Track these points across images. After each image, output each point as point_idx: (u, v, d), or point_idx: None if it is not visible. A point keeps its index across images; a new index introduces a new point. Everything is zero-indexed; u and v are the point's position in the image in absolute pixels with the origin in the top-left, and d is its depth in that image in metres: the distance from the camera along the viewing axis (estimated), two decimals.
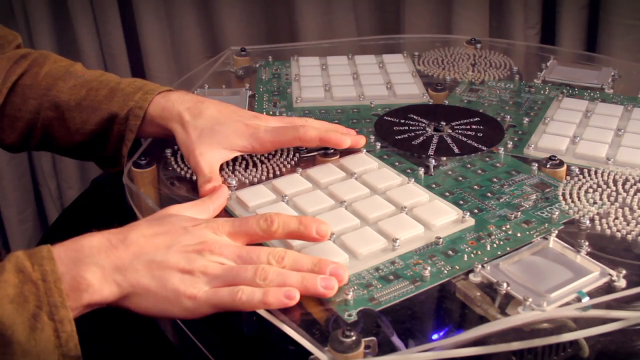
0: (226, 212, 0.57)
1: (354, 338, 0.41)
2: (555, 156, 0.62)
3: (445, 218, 0.54)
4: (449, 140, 0.67)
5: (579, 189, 0.58)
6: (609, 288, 0.47)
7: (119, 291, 0.44)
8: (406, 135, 0.69)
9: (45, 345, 0.40)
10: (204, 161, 0.59)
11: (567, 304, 0.44)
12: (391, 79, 0.82)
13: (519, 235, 0.52)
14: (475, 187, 0.60)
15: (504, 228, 0.53)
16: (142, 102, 0.64)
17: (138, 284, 0.45)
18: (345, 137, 0.63)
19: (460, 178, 0.61)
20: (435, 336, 0.45)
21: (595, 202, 0.56)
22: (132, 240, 0.46)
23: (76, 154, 0.70)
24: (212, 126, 0.61)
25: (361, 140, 0.65)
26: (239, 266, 0.46)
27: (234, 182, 0.60)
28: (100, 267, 0.44)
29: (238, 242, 0.49)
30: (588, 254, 0.50)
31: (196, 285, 0.45)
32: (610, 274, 0.47)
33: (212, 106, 0.63)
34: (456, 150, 0.65)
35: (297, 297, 0.44)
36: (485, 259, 0.50)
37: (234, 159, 0.64)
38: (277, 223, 0.48)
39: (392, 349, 0.43)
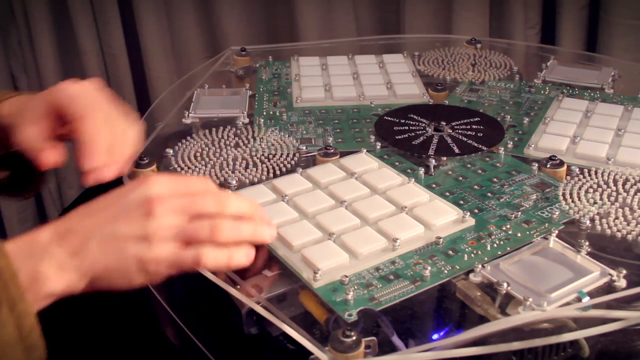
0: None
1: (354, 338, 0.41)
2: (555, 156, 0.62)
3: (446, 218, 0.54)
4: (449, 140, 0.67)
5: (579, 189, 0.58)
6: (609, 288, 0.47)
7: (79, 277, 0.44)
8: (406, 135, 0.69)
9: (8, 340, 0.40)
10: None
11: (568, 304, 0.44)
12: (391, 79, 0.82)
13: (519, 235, 0.52)
14: (476, 187, 0.60)
15: (504, 228, 0.53)
16: None
17: (97, 265, 0.44)
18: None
19: (461, 178, 0.61)
20: (435, 336, 0.45)
21: (595, 202, 0.56)
22: (77, 225, 0.45)
23: None
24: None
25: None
26: (194, 224, 0.45)
27: (234, 182, 0.60)
28: (55, 257, 0.44)
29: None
30: (588, 254, 0.50)
31: (155, 249, 0.44)
32: (610, 274, 0.47)
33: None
34: (456, 150, 0.65)
35: (253, 255, 0.46)
36: (486, 258, 0.50)
37: (234, 159, 0.64)
38: (230, 205, 0.47)
39: (392, 349, 0.43)
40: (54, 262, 0.43)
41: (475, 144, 0.66)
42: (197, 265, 0.45)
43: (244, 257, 0.46)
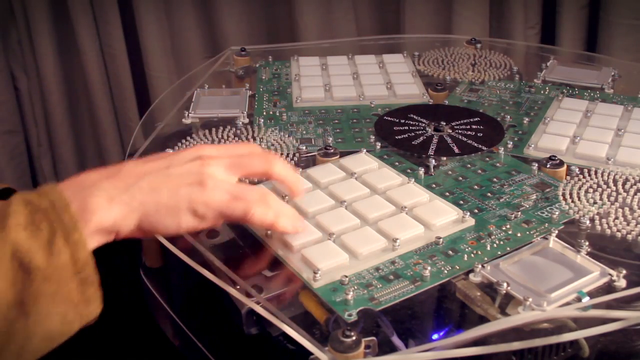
0: None
1: (354, 338, 0.41)
2: (555, 156, 0.62)
3: (446, 218, 0.54)
4: (449, 140, 0.67)
5: (579, 189, 0.58)
6: (609, 288, 0.47)
7: (129, 211, 0.44)
8: (406, 135, 0.69)
9: (63, 271, 0.40)
10: None
11: (567, 304, 0.44)
12: (391, 79, 0.82)
13: (519, 235, 0.52)
14: (475, 187, 0.60)
15: (504, 228, 0.53)
16: None
17: (147, 202, 0.45)
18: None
19: (460, 178, 0.61)
20: (435, 336, 0.45)
21: (595, 202, 0.56)
22: (129, 168, 0.46)
23: None
24: None
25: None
26: (244, 184, 0.49)
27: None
28: (105, 190, 0.44)
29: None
30: (588, 254, 0.50)
31: (208, 193, 0.46)
32: (610, 274, 0.47)
33: None
34: (456, 150, 0.65)
35: (300, 227, 0.50)
36: (486, 258, 0.50)
37: None
38: (276, 166, 0.50)
39: (392, 349, 0.43)
40: (104, 194, 0.44)
41: (475, 144, 0.66)
42: (245, 217, 0.47)
43: (289, 223, 0.49)
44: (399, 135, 0.69)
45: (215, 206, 0.47)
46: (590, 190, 0.58)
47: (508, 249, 0.51)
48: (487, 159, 0.65)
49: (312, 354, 0.41)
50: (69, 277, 0.40)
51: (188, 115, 0.74)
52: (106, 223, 0.43)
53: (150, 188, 0.45)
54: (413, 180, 0.59)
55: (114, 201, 0.44)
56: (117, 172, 0.46)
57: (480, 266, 0.48)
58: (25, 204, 0.41)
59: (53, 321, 0.40)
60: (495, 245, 0.51)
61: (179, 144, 0.68)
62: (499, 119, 0.72)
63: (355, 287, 0.47)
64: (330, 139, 0.69)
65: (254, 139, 0.69)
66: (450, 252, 0.51)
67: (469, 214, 0.54)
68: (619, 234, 0.53)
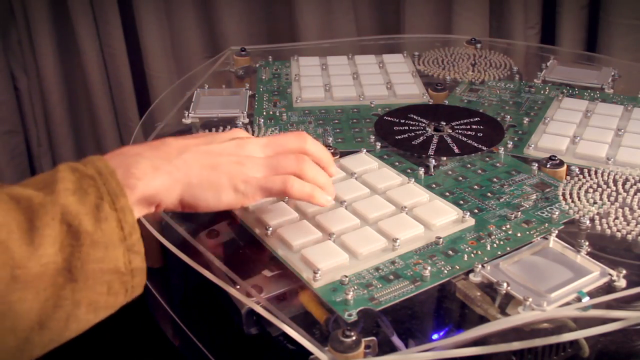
0: (227, 212, 0.57)
1: (354, 338, 0.41)
2: (555, 156, 0.62)
3: (445, 218, 0.54)
4: (449, 140, 0.67)
5: (579, 189, 0.58)
6: (609, 288, 0.47)
7: (172, 181, 0.45)
8: (406, 135, 0.69)
9: (110, 237, 0.40)
10: None
11: (567, 304, 0.44)
12: (391, 79, 0.82)
13: (519, 235, 0.52)
14: (475, 187, 0.60)
15: (504, 228, 0.53)
16: None
17: (190, 174, 0.46)
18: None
19: (460, 178, 0.61)
20: (435, 336, 0.45)
21: (595, 202, 0.56)
22: (172, 142, 0.48)
23: None
24: None
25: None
26: (280, 155, 0.51)
27: None
28: (150, 160, 0.44)
29: None
30: (588, 254, 0.50)
31: (247, 170, 0.48)
32: (610, 274, 0.47)
33: None
34: (456, 150, 0.65)
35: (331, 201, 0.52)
36: (486, 258, 0.50)
37: None
38: (310, 145, 0.52)
39: (392, 349, 0.43)
40: (148, 163, 0.44)
41: (475, 144, 0.66)
42: (284, 190, 0.49)
43: (324, 198, 0.51)
44: (399, 135, 0.69)
45: (254, 183, 0.48)
46: (590, 190, 0.58)
47: (508, 249, 0.51)
48: (487, 159, 0.65)
49: (312, 354, 0.41)
50: (116, 242, 0.40)
51: (188, 115, 0.74)
52: (150, 191, 0.44)
53: (193, 161, 0.47)
54: (413, 180, 0.59)
55: (158, 170, 0.44)
56: (161, 144, 0.47)
57: (480, 266, 0.48)
58: (72, 171, 0.41)
59: (100, 290, 0.40)
60: (495, 245, 0.51)
61: None
62: (499, 119, 0.72)
63: (355, 287, 0.47)
64: (330, 139, 0.69)
65: None
66: (450, 252, 0.51)
67: (469, 214, 0.54)
68: (619, 234, 0.53)
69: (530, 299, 0.44)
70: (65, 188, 0.40)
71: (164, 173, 0.45)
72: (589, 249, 0.50)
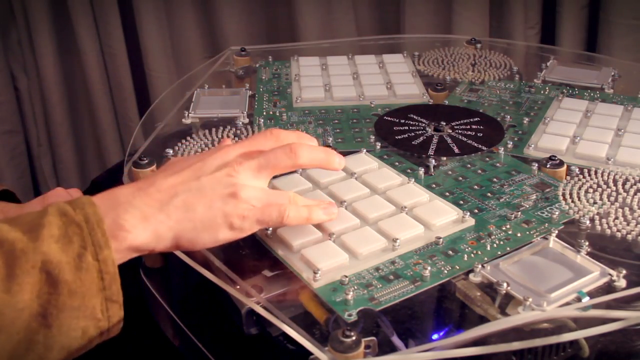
0: None
1: (354, 338, 0.41)
2: (555, 156, 0.62)
3: (445, 218, 0.54)
4: (449, 140, 0.67)
5: (579, 189, 0.58)
6: (609, 288, 0.47)
7: (164, 231, 0.45)
8: (406, 135, 0.69)
9: (89, 287, 0.40)
10: None
11: (567, 304, 0.44)
12: (391, 79, 0.82)
13: (519, 235, 0.52)
14: (475, 187, 0.60)
15: (504, 228, 0.53)
16: None
17: (184, 217, 0.45)
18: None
19: (460, 178, 0.61)
20: (435, 336, 0.45)
21: (595, 202, 0.56)
22: (161, 182, 0.46)
23: None
24: None
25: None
26: (273, 190, 0.50)
27: None
28: (140, 209, 0.44)
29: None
30: (588, 254, 0.50)
31: (242, 204, 0.47)
32: (610, 274, 0.47)
33: None
34: (456, 150, 0.65)
35: (334, 212, 0.52)
36: (485, 258, 0.50)
37: None
38: (302, 155, 0.50)
39: (392, 349, 0.43)
40: (139, 213, 0.44)
41: (475, 144, 0.66)
42: (281, 221, 0.48)
43: (322, 213, 0.51)
44: (399, 135, 0.69)
45: (250, 217, 0.47)
46: (590, 190, 0.58)
47: (508, 249, 0.51)
48: (487, 159, 0.65)
49: (312, 354, 0.41)
50: (94, 292, 0.40)
51: (188, 115, 0.74)
52: (140, 241, 0.44)
53: (184, 205, 0.45)
54: (413, 180, 0.59)
55: (148, 220, 0.44)
56: (150, 186, 0.46)
57: (480, 266, 0.48)
58: (60, 215, 0.41)
59: (74, 335, 0.40)
60: (495, 245, 0.51)
61: (179, 144, 0.68)
62: (499, 119, 0.72)
63: (355, 287, 0.47)
64: (330, 139, 0.69)
65: None
66: (450, 252, 0.51)
67: (469, 214, 0.54)
68: (619, 234, 0.53)
69: (530, 299, 0.44)
70: (50, 235, 0.40)
71: (155, 223, 0.44)
72: (589, 249, 0.50)
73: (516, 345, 0.40)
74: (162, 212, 0.45)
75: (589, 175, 0.60)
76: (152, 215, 0.44)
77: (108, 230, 0.42)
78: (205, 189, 0.46)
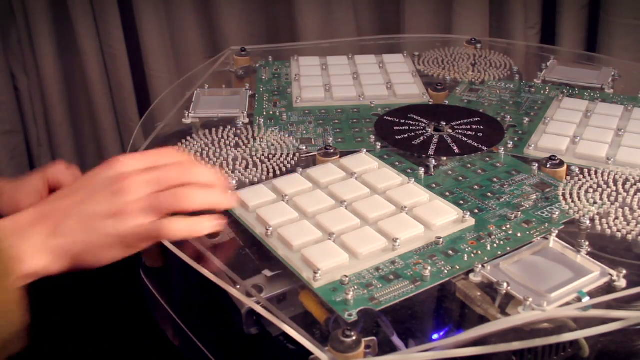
0: (226, 212, 0.57)
1: (354, 338, 0.41)
2: (555, 156, 0.62)
3: (446, 218, 0.54)
4: (449, 140, 0.67)
5: (579, 189, 0.58)
6: (609, 288, 0.47)
7: (58, 256, 0.46)
8: (406, 135, 0.69)
9: None
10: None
11: (567, 304, 0.44)
12: (391, 79, 0.82)
13: (519, 235, 0.52)
14: (476, 187, 0.60)
15: (504, 228, 0.53)
16: None
17: (76, 244, 0.46)
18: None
19: (461, 178, 0.61)
20: (435, 336, 0.45)
21: (595, 202, 0.56)
22: (54, 206, 0.48)
23: None
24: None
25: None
26: (158, 196, 0.48)
27: (234, 182, 0.60)
28: (34, 238, 0.45)
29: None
30: (588, 254, 0.50)
31: (127, 223, 0.47)
32: (610, 274, 0.47)
33: None
34: (456, 150, 0.65)
35: (221, 224, 0.50)
36: (486, 258, 0.50)
37: (234, 159, 0.64)
38: (191, 201, 0.49)
39: (392, 349, 0.43)
40: (33, 242, 0.45)
41: (475, 144, 0.66)
42: (162, 236, 0.48)
43: (208, 225, 0.50)
44: (399, 135, 0.69)
45: (137, 236, 0.47)
46: (590, 190, 0.58)
47: (508, 249, 0.51)
48: (487, 159, 0.65)
49: (312, 354, 0.41)
50: None
51: (188, 115, 0.74)
52: (34, 269, 0.45)
53: (72, 231, 0.46)
54: (413, 180, 0.59)
55: (42, 250, 0.45)
56: (45, 212, 0.47)
57: (480, 266, 0.48)
58: None
59: None
60: (495, 245, 0.51)
61: (179, 144, 0.68)
62: (499, 119, 0.72)
63: (355, 287, 0.47)
64: (330, 139, 0.69)
65: (254, 139, 0.69)
66: (450, 252, 0.51)
67: (469, 214, 0.54)
68: (619, 234, 0.53)
69: (530, 299, 0.44)
70: None
71: (47, 251, 0.45)
72: (589, 249, 0.50)
73: (516, 345, 0.40)
74: (54, 239, 0.46)
75: (589, 175, 0.60)
76: (44, 242, 0.45)
77: (3, 260, 0.43)
78: (92, 210, 0.47)
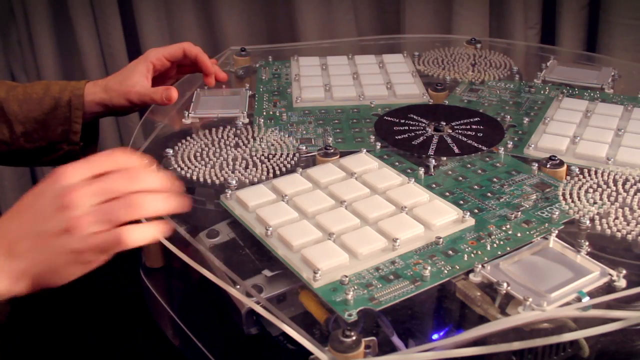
0: (226, 212, 0.57)
1: (354, 338, 0.41)
2: (555, 156, 0.62)
3: (446, 218, 0.54)
4: (449, 140, 0.67)
5: (579, 189, 0.58)
6: (609, 288, 0.47)
7: (16, 279, 0.45)
8: (406, 135, 0.69)
9: None
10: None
11: (567, 304, 0.44)
12: (391, 79, 0.82)
13: (519, 235, 0.52)
14: (475, 187, 0.60)
15: (504, 228, 0.53)
16: (79, 85, 0.73)
17: (33, 265, 0.45)
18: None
19: (460, 178, 0.61)
20: (435, 336, 0.45)
21: (595, 202, 0.56)
22: (7, 227, 0.46)
23: (19, 152, 0.72)
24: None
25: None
26: (108, 206, 0.46)
27: (234, 182, 0.60)
28: None
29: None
30: (588, 254, 0.50)
31: (79, 239, 0.45)
32: (610, 274, 0.47)
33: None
34: (456, 150, 0.65)
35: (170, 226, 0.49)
36: (486, 258, 0.50)
37: (234, 159, 0.64)
38: (145, 208, 0.48)
39: (392, 349, 0.43)
40: None
41: (475, 144, 0.66)
42: (121, 247, 0.46)
43: (164, 228, 0.48)
44: (399, 135, 0.69)
45: (92, 250, 0.46)
46: (590, 190, 0.58)
47: (508, 249, 0.51)
48: (487, 159, 0.65)
49: (312, 354, 0.41)
50: None
51: (188, 115, 0.74)
52: None
53: (27, 252, 0.45)
54: (413, 180, 0.59)
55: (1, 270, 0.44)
56: (6, 231, 0.46)
57: (480, 266, 0.48)
58: None
59: None
60: (495, 245, 0.51)
61: (179, 144, 0.68)
62: (499, 119, 0.72)
63: (355, 287, 0.47)
64: (330, 139, 0.69)
65: (254, 139, 0.69)
66: (450, 252, 0.51)
67: (469, 214, 0.54)
68: (619, 234, 0.52)
69: (530, 299, 0.44)
70: None
71: (6, 276, 0.45)
72: (589, 249, 0.50)
73: (516, 345, 0.40)
74: (11, 261, 0.45)
75: (589, 175, 0.60)
76: (3, 264, 0.45)
77: None
78: (43, 229, 0.46)
